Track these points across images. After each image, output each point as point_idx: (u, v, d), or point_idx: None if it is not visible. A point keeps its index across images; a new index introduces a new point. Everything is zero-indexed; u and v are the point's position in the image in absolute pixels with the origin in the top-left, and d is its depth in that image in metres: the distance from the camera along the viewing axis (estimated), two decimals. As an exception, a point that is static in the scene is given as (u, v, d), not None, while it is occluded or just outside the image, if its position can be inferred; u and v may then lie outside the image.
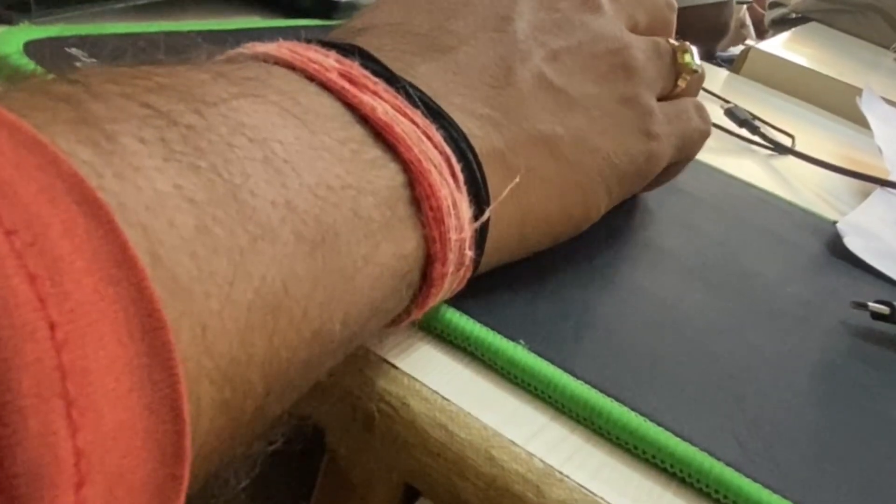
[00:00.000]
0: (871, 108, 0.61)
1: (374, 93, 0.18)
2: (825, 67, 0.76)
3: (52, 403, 0.09)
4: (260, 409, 0.14)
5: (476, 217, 0.20)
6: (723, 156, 0.49)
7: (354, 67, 0.18)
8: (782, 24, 1.03)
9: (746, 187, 0.44)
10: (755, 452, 0.22)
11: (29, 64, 0.26)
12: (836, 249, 0.38)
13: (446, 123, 0.19)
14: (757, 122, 0.55)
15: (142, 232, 0.11)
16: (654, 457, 0.21)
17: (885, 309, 0.30)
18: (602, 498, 0.19)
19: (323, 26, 0.41)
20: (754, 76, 0.74)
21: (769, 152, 0.53)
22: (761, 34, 0.93)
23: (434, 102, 0.19)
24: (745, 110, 0.55)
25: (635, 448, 0.21)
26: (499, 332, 0.22)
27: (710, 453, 0.21)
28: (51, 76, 0.14)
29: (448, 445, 0.20)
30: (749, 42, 0.85)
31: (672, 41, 0.29)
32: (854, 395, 0.26)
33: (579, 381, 0.22)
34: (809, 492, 0.21)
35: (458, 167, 0.19)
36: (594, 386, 0.22)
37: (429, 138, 0.18)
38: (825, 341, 0.29)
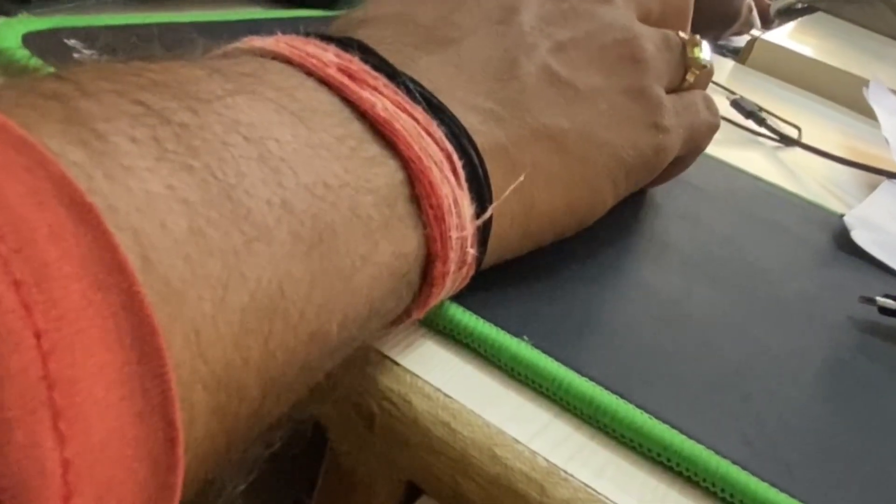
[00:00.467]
0: (878, 100, 0.60)
1: (374, 88, 0.18)
2: (831, 58, 0.75)
3: (38, 414, 0.09)
4: (256, 414, 0.14)
5: (478, 214, 0.19)
6: (729, 148, 0.48)
7: (354, 62, 0.18)
8: (788, 14, 1.03)
9: (752, 180, 0.43)
10: (761, 450, 0.21)
11: (27, 56, 0.26)
12: (843, 243, 0.38)
13: (448, 119, 0.19)
14: (763, 114, 0.54)
15: (133, 235, 0.11)
16: (659, 455, 0.21)
17: (893, 303, 0.30)
18: (606, 497, 0.19)
19: (324, 17, 0.41)
20: (760, 67, 0.74)
21: (775, 144, 0.52)
22: (767, 24, 0.93)
23: (435, 97, 0.19)
24: (752, 102, 0.55)
25: (640, 446, 0.21)
26: (502, 329, 0.22)
27: (716, 451, 0.20)
28: (49, 69, 0.13)
29: (450, 443, 0.20)
30: (755, 32, 0.84)
31: (683, 34, 0.29)
32: (862, 392, 0.26)
33: (584, 378, 0.21)
34: (816, 490, 0.20)
35: (459, 164, 0.19)
36: (599, 383, 0.21)
37: (430, 135, 0.18)
38: (832, 337, 0.29)
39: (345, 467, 0.22)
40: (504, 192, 0.21)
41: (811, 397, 0.25)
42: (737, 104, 0.54)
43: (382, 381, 0.21)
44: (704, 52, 0.29)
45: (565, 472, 0.19)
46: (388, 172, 0.17)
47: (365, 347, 0.21)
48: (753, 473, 0.20)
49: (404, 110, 0.18)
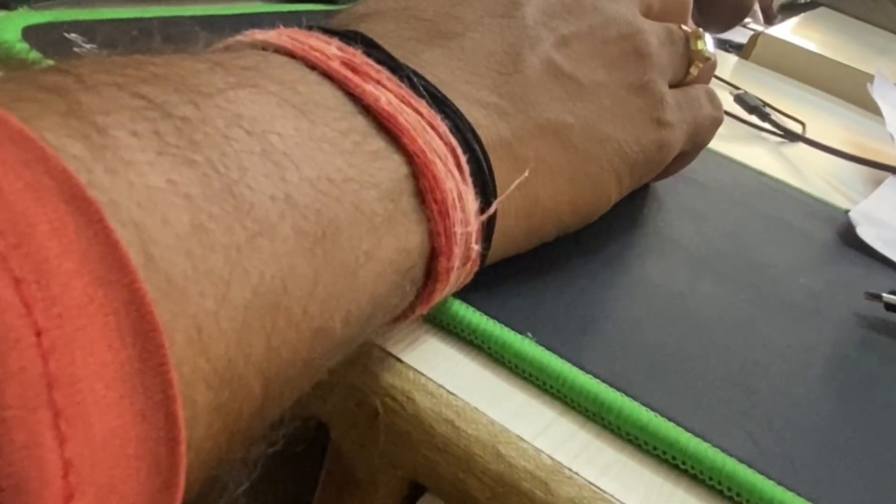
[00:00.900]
0: (882, 95, 0.60)
1: (378, 82, 0.17)
2: (835, 53, 0.75)
3: (38, 414, 0.09)
4: (258, 412, 0.14)
5: (482, 209, 0.19)
6: (732, 143, 0.48)
7: (357, 55, 0.18)
8: (791, 8, 1.02)
9: (757, 175, 0.43)
10: (767, 448, 0.21)
11: (27, 49, 0.26)
12: (849, 239, 0.38)
13: (452, 113, 0.19)
14: (767, 109, 0.54)
15: (134, 230, 0.11)
16: (664, 453, 0.20)
17: (899, 300, 0.30)
18: (612, 495, 0.19)
19: (326, 11, 0.41)
20: (763, 62, 0.73)
21: (779, 139, 0.52)
22: (770, 19, 0.92)
23: (439, 91, 0.19)
24: (755, 97, 0.55)
25: (645, 444, 0.21)
26: (506, 325, 0.22)
27: (722, 449, 0.20)
28: (48, 62, 0.13)
29: (454, 441, 0.20)
30: (758, 27, 0.84)
31: (685, 27, 0.29)
32: (868, 389, 0.26)
33: (588, 376, 0.21)
34: (823, 488, 0.20)
35: (463, 158, 0.18)
36: (604, 380, 0.21)
37: (433, 129, 0.18)
38: (838, 333, 0.29)
39: (347, 465, 0.22)
40: (508, 187, 0.21)
41: (817, 394, 0.24)
42: (740, 99, 0.54)
43: (385, 378, 0.20)
44: (707, 44, 0.29)
45: (570, 469, 0.19)
46: (392, 167, 0.17)
47: (368, 344, 0.21)
48: (759, 471, 0.20)
49: (408, 104, 0.17)
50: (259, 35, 0.18)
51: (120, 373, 0.10)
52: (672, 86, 0.28)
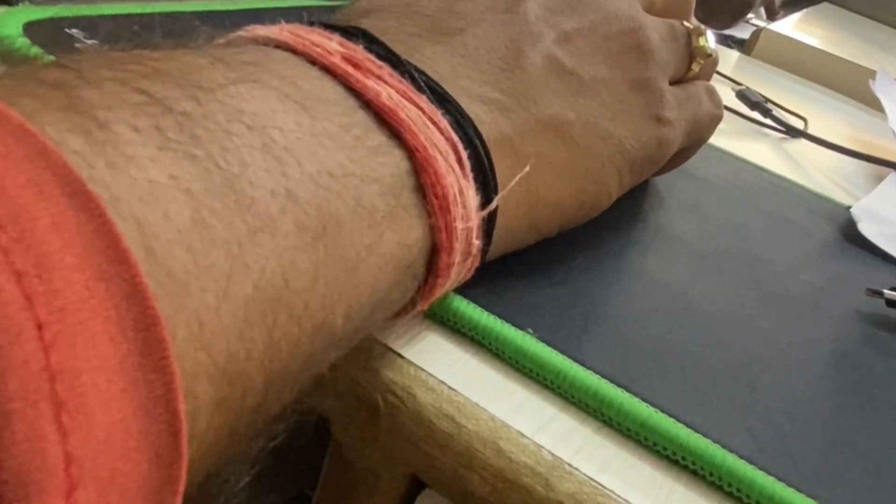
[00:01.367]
0: (885, 91, 0.60)
1: (379, 77, 0.17)
2: (838, 49, 0.75)
3: (39, 407, 0.09)
4: (260, 406, 0.14)
5: (484, 205, 0.19)
6: (734, 139, 0.48)
7: (358, 51, 0.18)
8: (794, 4, 1.02)
9: (758, 171, 0.43)
10: (768, 444, 0.21)
11: (28, 45, 0.26)
12: (850, 235, 0.38)
13: (453, 109, 0.19)
14: (769, 105, 0.54)
15: (135, 225, 0.11)
16: (664, 449, 0.20)
17: (900, 296, 0.30)
18: (612, 491, 0.19)
19: (327, 7, 0.41)
20: (766, 58, 0.73)
21: (781, 135, 0.52)
22: (772, 15, 0.92)
23: (440, 87, 0.19)
24: (757, 92, 0.55)
25: (646, 440, 0.21)
26: (507, 321, 0.22)
27: (722, 445, 0.20)
28: (50, 58, 0.13)
29: (455, 437, 0.20)
30: (760, 23, 0.84)
31: (687, 24, 0.29)
32: (869, 385, 0.26)
33: (589, 371, 0.21)
34: (823, 484, 0.20)
35: (464, 154, 0.18)
36: (604, 376, 0.21)
37: (435, 124, 0.18)
38: (839, 330, 0.29)
39: (348, 460, 0.22)
40: (509, 183, 0.21)
41: (818, 390, 0.25)
42: (742, 95, 0.54)
43: (386, 373, 0.20)
44: (709, 41, 0.29)
45: (570, 465, 0.19)
46: (393, 162, 0.17)
47: (369, 339, 0.21)
48: (759, 467, 0.20)
49: (409, 99, 0.17)
50: (260, 30, 0.18)
51: (121, 366, 0.10)
52: (673, 82, 0.28)
